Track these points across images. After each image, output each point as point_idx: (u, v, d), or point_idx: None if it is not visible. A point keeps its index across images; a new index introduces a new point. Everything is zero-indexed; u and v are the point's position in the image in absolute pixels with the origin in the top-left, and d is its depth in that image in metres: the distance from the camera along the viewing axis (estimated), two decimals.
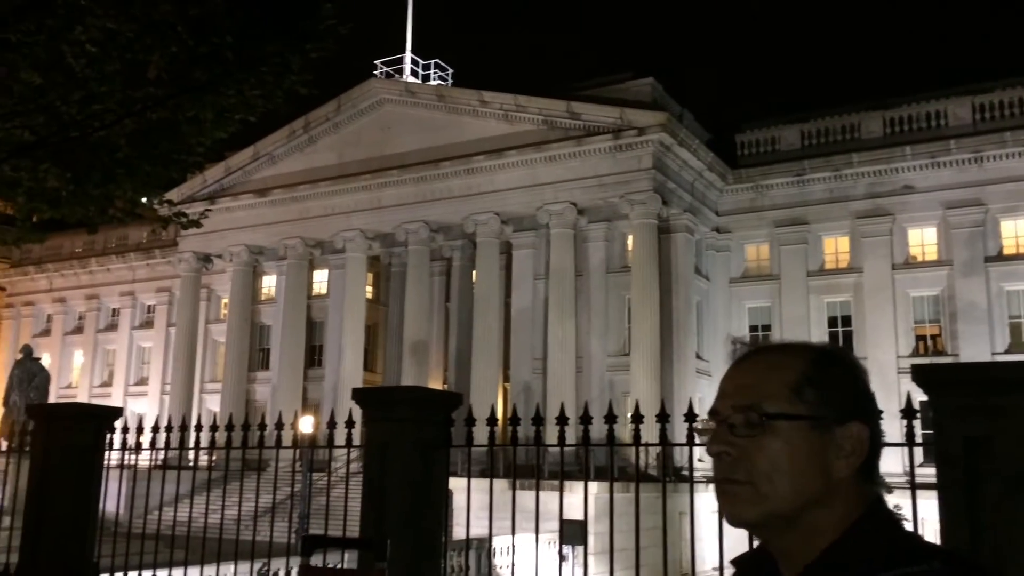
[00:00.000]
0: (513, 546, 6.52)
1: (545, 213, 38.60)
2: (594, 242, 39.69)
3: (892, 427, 5.98)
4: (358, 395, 7.33)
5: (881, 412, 1.38)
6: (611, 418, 6.38)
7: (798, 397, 1.28)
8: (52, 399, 25.91)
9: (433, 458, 7.09)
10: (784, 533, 1.27)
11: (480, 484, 7.90)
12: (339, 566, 5.74)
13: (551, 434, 6.73)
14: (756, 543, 1.42)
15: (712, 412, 1.35)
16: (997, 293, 35.40)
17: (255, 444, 7.89)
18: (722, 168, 40.34)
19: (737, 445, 1.27)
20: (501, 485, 11.10)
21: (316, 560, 3.64)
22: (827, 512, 1.26)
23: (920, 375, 5.05)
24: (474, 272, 41.76)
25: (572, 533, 16.53)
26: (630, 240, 38.40)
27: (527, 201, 39.03)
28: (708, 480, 29.80)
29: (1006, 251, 35.85)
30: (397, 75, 45.93)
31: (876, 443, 1.33)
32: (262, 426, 8.07)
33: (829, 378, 1.31)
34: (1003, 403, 4.83)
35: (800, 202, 39.29)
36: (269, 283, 49.96)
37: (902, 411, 5.20)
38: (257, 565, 11.86)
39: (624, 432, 16.29)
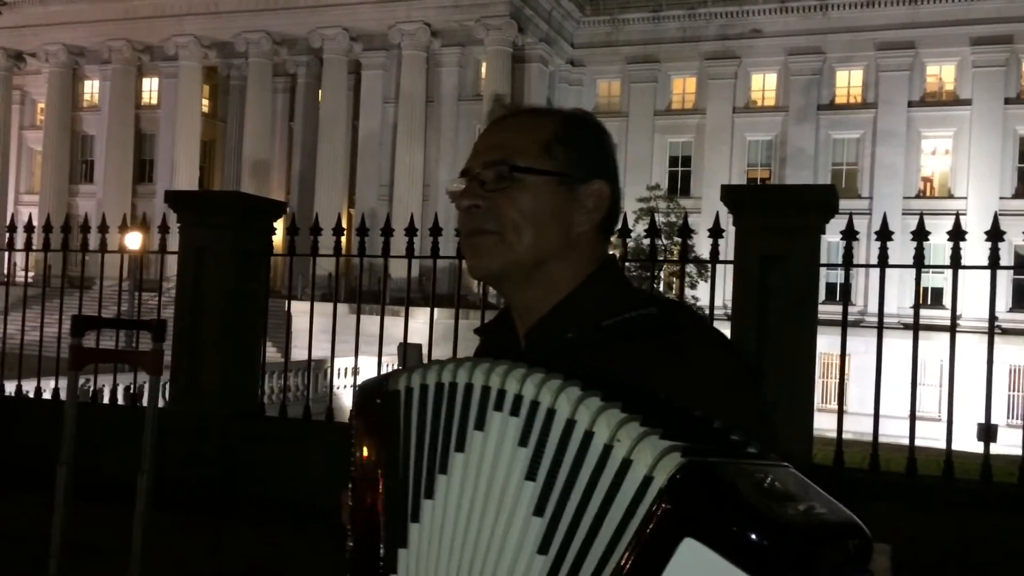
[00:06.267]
0: (355, 368, 6.51)
1: (397, 32, 36.92)
2: (447, 67, 38.56)
3: (705, 251, 6.24)
4: (172, 197, 6.93)
5: (617, 170, 1.38)
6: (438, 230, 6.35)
7: (548, 154, 1.30)
8: None
9: (254, 267, 6.89)
10: (523, 287, 1.30)
11: (322, 308, 7.78)
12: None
13: (398, 255, 6.57)
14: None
15: (464, 172, 1.35)
16: (825, 140, 37.46)
17: (78, 247, 7.32)
18: None
19: (487, 198, 1.29)
20: (344, 309, 11.04)
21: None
22: (564, 265, 1.30)
23: (727, 195, 5.24)
24: (320, 91, 39.87)
25: (413, 355, 16.96)
26: (484, 68, 37.53)
27: (379, 18, 37.09)
28: None
29: (838, 100, 37.71)
30: None
31: (615, 203, 1.37)
32: (85, 228, 7.32)
33: (578, 138, 1.34)
34: (799, 224, 5.11)
35: (654, 39, 39.38)
36: (92, 89, 45.90)
37: (709, 231, 5.41)
38: (81, 381, 11.52)
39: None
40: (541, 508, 0.95)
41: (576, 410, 0.95)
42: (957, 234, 4.95)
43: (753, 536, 0.80)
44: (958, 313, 5.45)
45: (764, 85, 38.79)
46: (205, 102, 43.40)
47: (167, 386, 9.62)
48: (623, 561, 0.87)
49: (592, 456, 0.93)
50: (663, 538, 0.84)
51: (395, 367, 1.27)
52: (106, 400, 7.50)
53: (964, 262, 5.20)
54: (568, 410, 0.95)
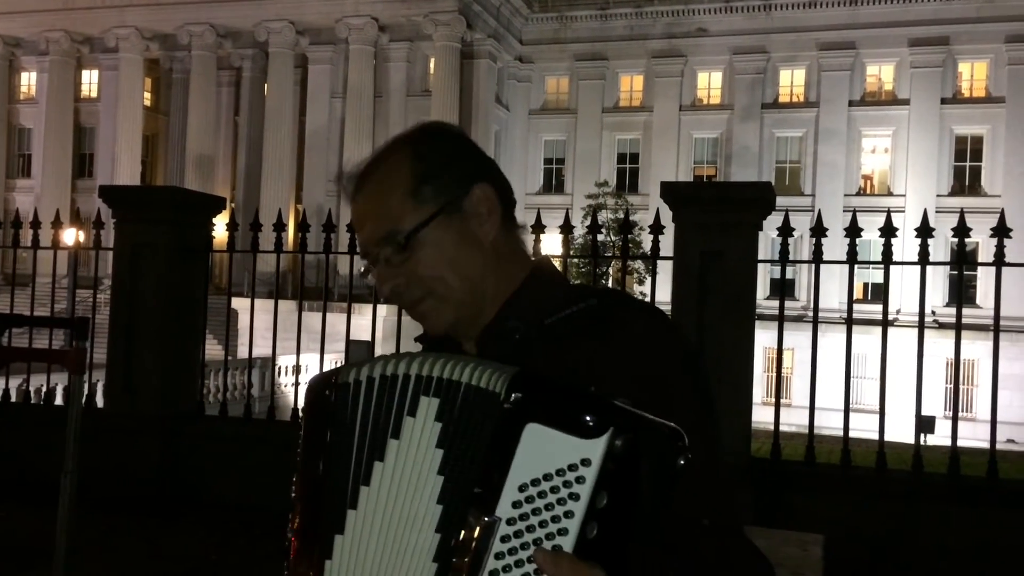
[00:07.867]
0: (298, 365, 6.43)
1: (344, 27, 36.54)
2: (395, 63, 38.30)
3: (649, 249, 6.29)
4: (107, 193, 6.76)
5: (495, 168, 1.36)
6: None
7: (420, 199, 1.27)
8: None
9: (192, 263, 6.76)
10: (478, 316, 1.32)
11: (265, 305, 7.66)
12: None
13: (341, 252, 6.48)
14: None
15: (364, 253, 1.35)
16: (768, 138, 38.08)
17: (9, 243, 7.10)
18: None
19: (400, 273, 1.29)
20: (288, 306, 10.78)
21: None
22: (497, 276, 1.31)
23: (667, 192, 5.30)
24: (266, 85, 39.28)
25: (358, 352, 16.76)
26: (432, 63, 37.37)
27: (325, 12, 36.68)
28: None
29: (781, 99, 38.36)
30: None
31: (505, 195, 1.35)
32: (16, 223, 7.09)
33: (437, 161, 1.30)
34: (736, 220, 5.18)
35: (602, 37, 39.62)
36: (29, 81, 44.59)
37: (650, 227, 5.46)
38: (16, 381, 11.17)
39: None
40: (444, 466, 1.07)
41: (472, 375, 1.08)
42: (888, 231, 5.07)
43: (586, 416, 0.98)
44: (897, 307, 5.59)
45: (710, 83, 39.29)
46: (147, 95, 42.49)
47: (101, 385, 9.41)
48: (485, 461, 1.03)
49: (477, 403, 1.06)
50: (509, 429, 1.02)
51: (340, 363, 1.28)
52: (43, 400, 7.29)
53: (905, 257, 5.33)
54: (468, 377, 1.08)
